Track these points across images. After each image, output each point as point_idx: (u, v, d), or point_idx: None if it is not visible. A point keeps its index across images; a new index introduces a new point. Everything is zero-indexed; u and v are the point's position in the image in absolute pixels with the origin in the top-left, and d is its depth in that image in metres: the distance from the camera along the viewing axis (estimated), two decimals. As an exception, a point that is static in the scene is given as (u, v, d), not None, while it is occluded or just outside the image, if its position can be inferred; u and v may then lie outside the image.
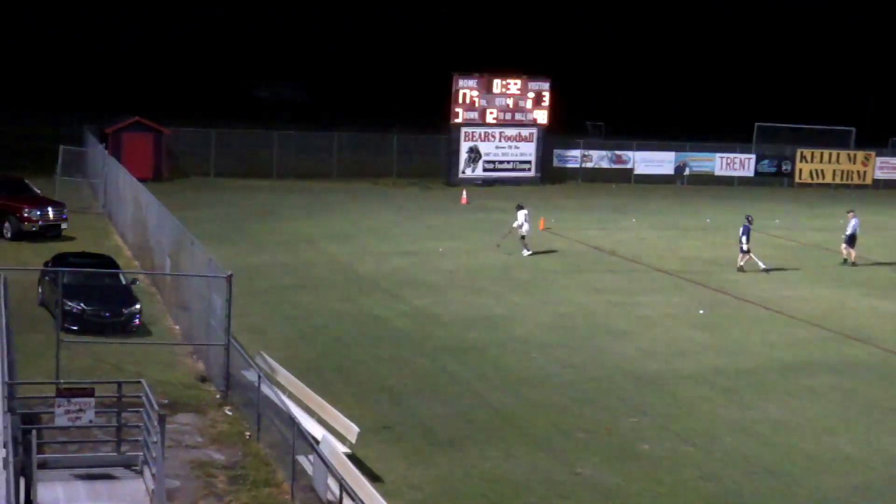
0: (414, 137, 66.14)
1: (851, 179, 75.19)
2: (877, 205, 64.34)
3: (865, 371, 26.23)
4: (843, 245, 41.23)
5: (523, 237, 39.83)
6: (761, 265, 38.56)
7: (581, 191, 64.49)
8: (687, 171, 71.50)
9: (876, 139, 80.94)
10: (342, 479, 15.68)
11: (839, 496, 18.33)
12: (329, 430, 18.72)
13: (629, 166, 70.66)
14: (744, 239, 38.41)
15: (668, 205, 58.80)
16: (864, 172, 75.72)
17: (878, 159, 76.40)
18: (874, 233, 50.43)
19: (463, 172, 63.26)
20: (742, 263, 38.60)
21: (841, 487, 18.71)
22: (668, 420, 21.78)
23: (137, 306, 26.15)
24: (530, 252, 39.50)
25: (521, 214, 39.70)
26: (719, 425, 21.63)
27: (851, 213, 41.36)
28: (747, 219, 38.92)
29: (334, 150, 63.90)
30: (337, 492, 15.72)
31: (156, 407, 16.27)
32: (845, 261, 40.92)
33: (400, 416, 21.24)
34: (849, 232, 40.92)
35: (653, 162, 71.27)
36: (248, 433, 19.54)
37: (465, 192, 55.89)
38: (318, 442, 17.53)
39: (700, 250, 43.12)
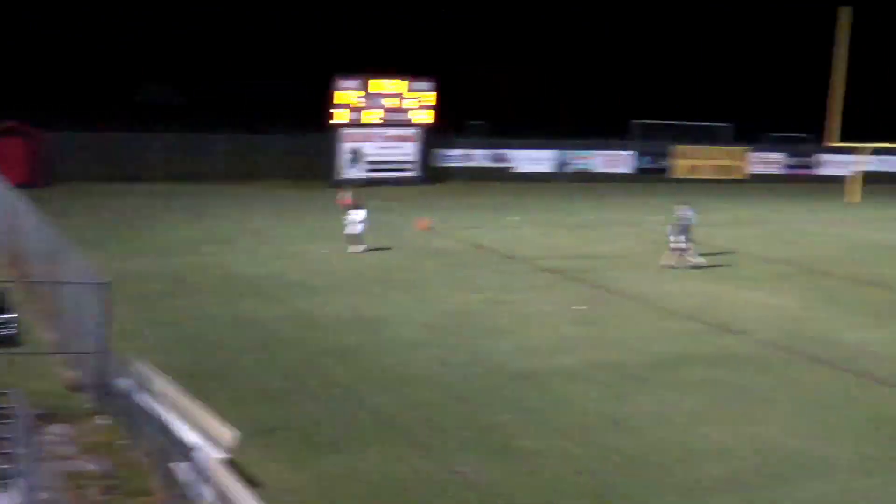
0: (296, 139, 65.81)
1: (729, 174, 76.70)
2: (753, 198, 65.80)
3: (738, 362, 26.72)
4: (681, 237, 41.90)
5: (355, 234, 39.91)
6: (700, 260, 39.06)
7: (463, 190, 64.77)
8: (568, 169, 72.32)
9: (752, 135, 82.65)
10: (219, 486, 15.54)
11: (710, 485, 18.68)
12: (206, 436, 18.54)
13: (511, 164, 71.27)
14: (682, 238, 38.79)
15: (550, 202, 59.38)
16: (741, 167, 77.30)
17: (753, 154, 78.08)
18: (751, 226, 51.73)
19: (345, 173, 63.19)
20: (672, 262, 39.05)
21: (712, 477, 19.06)
22: (545, 416, 21.98)
23: (11, 315, 25.65)
24: (353, 249, 39.65)
25: (358, 213, 39.83)
26: (595, 420, 21.87)
27: (684, 206, 41.93)
28: (685, 216, 39.33)
29: (216, 153, 63.38)
30: (214, 499, 15.59)
31: (27, 417, 16.00)
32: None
33: (279, 420, 21.14)
34: (682, 224, 41.49)
35: (534, 160, 72.03)
36: (122, 442, 19.29)
37: (348, 193, 55.69)
38: (194, 449, 17.36)
39: (580, 247, 43.60)
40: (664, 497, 18.13)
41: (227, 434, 18.29)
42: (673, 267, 38.86)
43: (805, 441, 21.02)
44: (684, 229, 39.05)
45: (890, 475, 19.45)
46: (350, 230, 40.11)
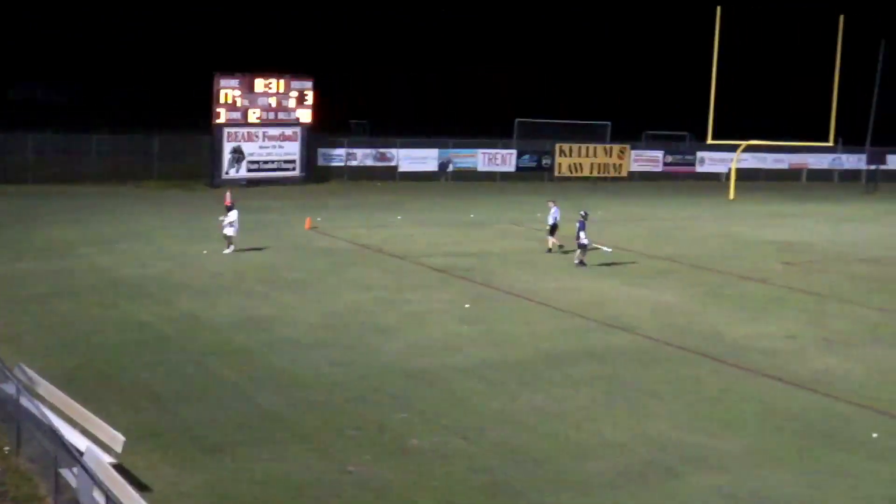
0: (176, 139, 65.06)
1: (608, 172, 77.76)
2: (632, 196, 66.66)
3: (626, 358, 26.95)
4: (547, 235, 42.39)
5: (227, 236, 39.49)
6: (607, 250, 39.31)
7: (347, 189, 64.64)
8: (450, 168, 72.55)
9: (630, 133, 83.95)
10: (108, 490, 15.21)
11: (603, 480, 18.78)
12: (93, 441, 18.17)
13: (393, 164, 71.33)
14: (582, 234, 38.90)
15: (433, 201, 59.46)
16: (620, 165, 78.40)
17: (633, 152, 79.30)
18: (634, 224, 52.31)
19: (227, 173, 62.63)
20: (582, 258, 39.18)
21: (605, 472, 19.17)
22: (437, 414, 21.91)
23: None
24: (230, 251, 39.21)
25: (232, 213, 39.44)
26: (488, 417, 21.87)
27: (552, 203, 42.52)
28: (582, 214, 39.52)
29: (94, 153, 62.32)
30: None
31: None
32: (550, 250, 42.03)
33: (167, 423, 20.76)
34: (550, 222, 42.04)
35: (417, 159, 72.16)
36: (6, 448, 18.78)
37: (229, 193, 55.11)
38: (81, 453, 16.98)
39: (465, 245, 43.68)
40: (558, 493, 18.17)
41: (116, 437, 17.95)
42: (582, 263, 39.23)
43: (694, 435, 21.27)
44: (581, 226, 39.25)
45: (778, 466, 19.75)
46: (224, 231, 39.64)
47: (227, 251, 39.20)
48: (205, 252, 39.35)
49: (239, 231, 39.57)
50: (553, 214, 42.08)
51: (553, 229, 42.08)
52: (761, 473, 19.36)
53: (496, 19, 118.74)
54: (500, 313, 31.46)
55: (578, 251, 39.39)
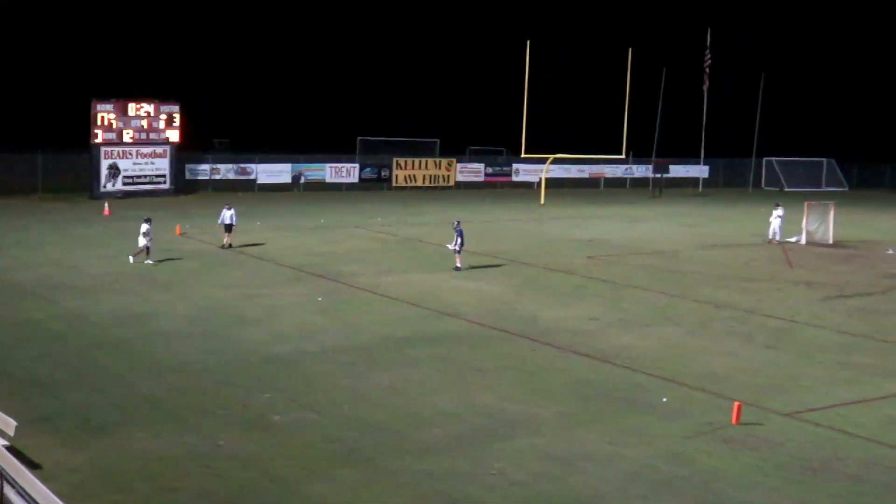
0: (58, 156, 63.39)
1: (438, 182, 78.17)
2: (459, 201, 67.14)
3: (457, 340, 27.13)
4: (224, 232, 42.82)
5: (145, 247, 37.96)
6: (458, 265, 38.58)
7: (211, 200, 63.52)
8: (303, 180, 72.17)
9: (456, 148, 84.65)
10: (2, 469, 14.73)
11: (440, 445, 18.88)
12: (-12, 426, 17.55)
13: (253, 177, 70.59)
14: (459, 241, 38.53)
15: (288, 209, 59.00)
16: (448, 176, 78.89)
17: (459, 165, 79.95)
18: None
19: (104, 187, 61.30)
20: (459, 265, 38.54)
21: (441, 437, 19.27)
22: (296, 393, 21.75)
23: None
24: (150, 263, 37.47)
25: (144, 226, 38.38)
26: (339, 394, 21.79)
27: (228, 205, 42.98)
28: (457, 223, 39.45)
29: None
30: (0, 482, 14.77)
31: None
32: (227, 245, 42.22)
33: (56, 408, 20.15)
34: (227, 222, 42.44)
35: (273, 172, 71.59)
36: None
37: (107, 205, 53.99)
38: (-22, 438, 16.40)
39: (317, 247, 43.42)
40: (402, 457, 18.19)
41: (8, 422, 17.39)
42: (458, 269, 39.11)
43: (515, 404, 21.53)
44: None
45: (585, 428, 20.11)
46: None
47: (149, 261, 37.44)
48: (127, 258, 38.22)
49: (147, 243, 38.02)
50: (226, 216, 42.41)
51: (228, 228, 42.30)
52: (571, 434, 19.70)
53: (341, 54, 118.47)
54: (347, 305, 31.36)
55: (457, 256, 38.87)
